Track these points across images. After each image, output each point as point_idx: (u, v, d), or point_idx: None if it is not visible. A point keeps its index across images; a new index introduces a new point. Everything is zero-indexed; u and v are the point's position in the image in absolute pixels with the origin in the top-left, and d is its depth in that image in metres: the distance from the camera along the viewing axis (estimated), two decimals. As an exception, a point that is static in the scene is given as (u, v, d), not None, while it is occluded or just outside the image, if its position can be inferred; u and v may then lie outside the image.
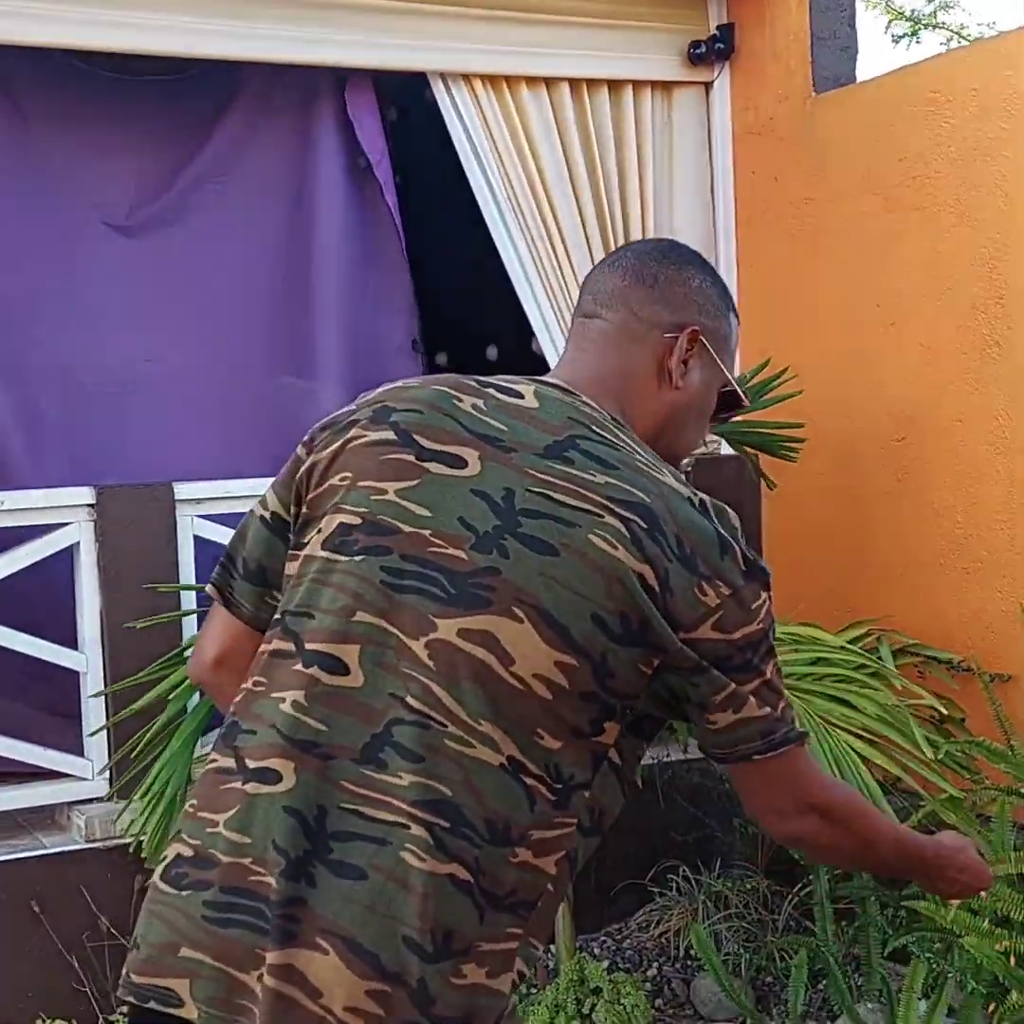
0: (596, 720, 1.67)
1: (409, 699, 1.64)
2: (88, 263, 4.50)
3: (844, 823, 1.83)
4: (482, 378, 1.85)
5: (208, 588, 1.93)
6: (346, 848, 1.61)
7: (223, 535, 4.10)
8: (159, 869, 1.73)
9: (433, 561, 1.68)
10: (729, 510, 1.75)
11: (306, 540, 1.76)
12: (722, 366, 1.91)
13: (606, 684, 1.66)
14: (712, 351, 1.89)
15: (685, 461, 2.11)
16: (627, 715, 1.71)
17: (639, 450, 1.77)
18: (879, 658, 3.97)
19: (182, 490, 4.09)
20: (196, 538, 4.10)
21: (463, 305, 4.93)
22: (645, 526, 1.66)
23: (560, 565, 1.65)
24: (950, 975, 3.41)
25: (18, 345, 4.51)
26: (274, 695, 1.71)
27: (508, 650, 1.64)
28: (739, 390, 1.95)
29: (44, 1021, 3.77)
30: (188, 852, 1.70)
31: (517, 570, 1.65)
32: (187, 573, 4.07)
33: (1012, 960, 3.26)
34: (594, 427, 1.76)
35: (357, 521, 1.72)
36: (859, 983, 3.93)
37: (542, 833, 1.65)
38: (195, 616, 3.99)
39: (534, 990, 4.01)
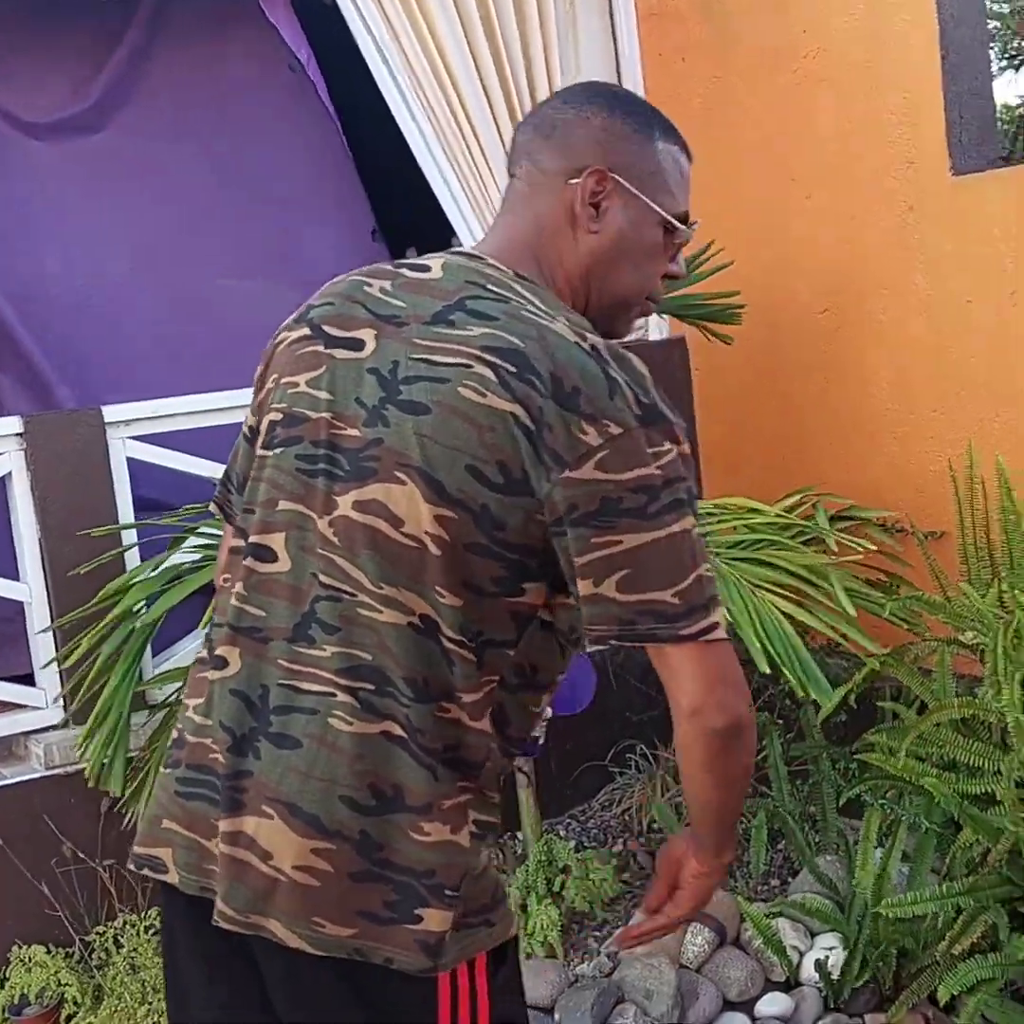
0: (505, 579, 1.70)
1: (321, 576, 1.74)
2: (3, 172, 4.40)
3: (751, 726, 1.77)
4: (402, 260, 1.89)
5: (211, 505, 2.05)
6: (285, 721, 1.74)
7: (158, 456, 4.10)
8: None
9: (335, 442, 1.75)
10: (632, 358, 1.71)
11: (257, 444, 1.85)
12: (646, 200, 1.85)
13: (496, 537, 1.68)
14: (631, 187, 1.84)
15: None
16: (549, 575, 1.72)
17: (533, 301, 1.75)
18: (817, 524, 4.06)
19: (111, 413, 4.04)
20: (130, 460, 4.07)
21: (422, 197, 4.89)
22: (515, 369, 1.66)
23: (432, 422, 1.68)
24: (903, 819, 3.52)
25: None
26: (231, 589, 1.83)
27: (396, 513, 1.70)
28: (671, 219, 1.88)
29: (20, 947, 3.82)
30: (174, 735, 1.87)
31: (396, 435, 1.70)
32: (124, 496, 4.06)
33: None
34: (489, 285, 1.76)
35: (279, 416, 1.81)
36: (817, 839, 4.05)
37: (472, 695, 1.72)
38: (136, 549, 4.00)
39: (504, 874, 4.11)
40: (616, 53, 4.99)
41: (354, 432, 1.73)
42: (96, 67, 4.54)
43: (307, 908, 1.70)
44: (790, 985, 3.59)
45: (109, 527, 3.95)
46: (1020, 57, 5.33)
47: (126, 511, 4.06)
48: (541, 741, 2.06)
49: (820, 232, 4.37)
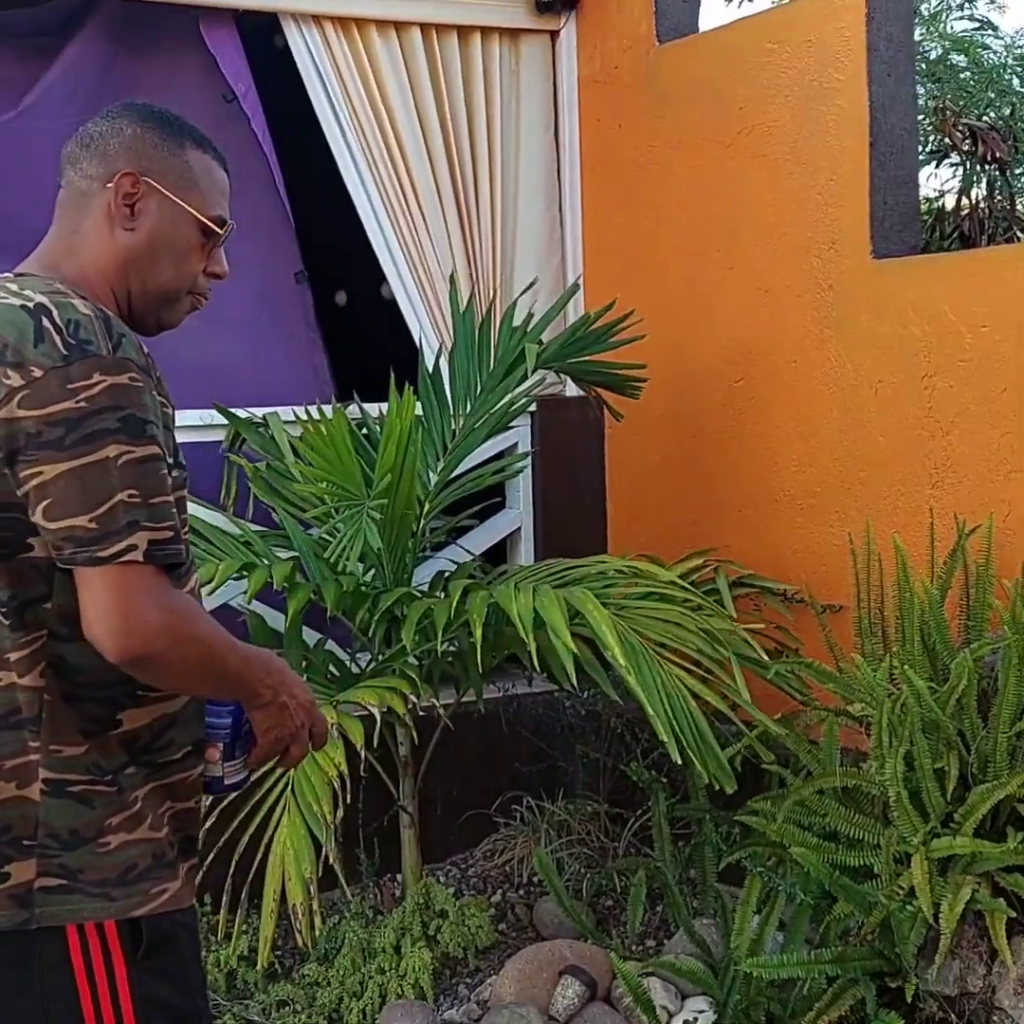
0: (8, 539, 1.82)
1: None
2: None
3: (186, 641, 1.82)
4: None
5: None
6: None
7: None
8: None
9: None
10: (77, 306, 1.84)
11: None
12: (179, 201, 2.02)
13: None
14: (163, 190, 2.01)
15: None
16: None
17: (11, 287, 1.88)
18: (716, 589, 4.10)
19: None
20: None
21: (354, 242, 4.90)
22: None
23: None
24: (780, 889, 3.54)
25: None
26: None
27: None
28: (202, 219, 2.04)
29: None
30: None
31: None
32: None
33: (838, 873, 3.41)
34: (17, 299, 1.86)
35: None
36: (695, 903, 4.07)
37: (18, 654, 1.85)
38: None
39: (380, 915, 4.09)
40: (556, 114, 5.08)
41: None
42: (30, 78, 4.51)
43: None
44: (657, 1045, 3.59)
45: None
46: (941, 152, 5.48)
47: None
48: (230, 782, 2.07)
49: (740, 303, 4.45)
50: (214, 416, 4.38)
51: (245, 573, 3.79)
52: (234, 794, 2.24)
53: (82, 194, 2.02)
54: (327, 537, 4.06)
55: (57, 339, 1.79)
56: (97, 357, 1.79)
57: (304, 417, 4.30)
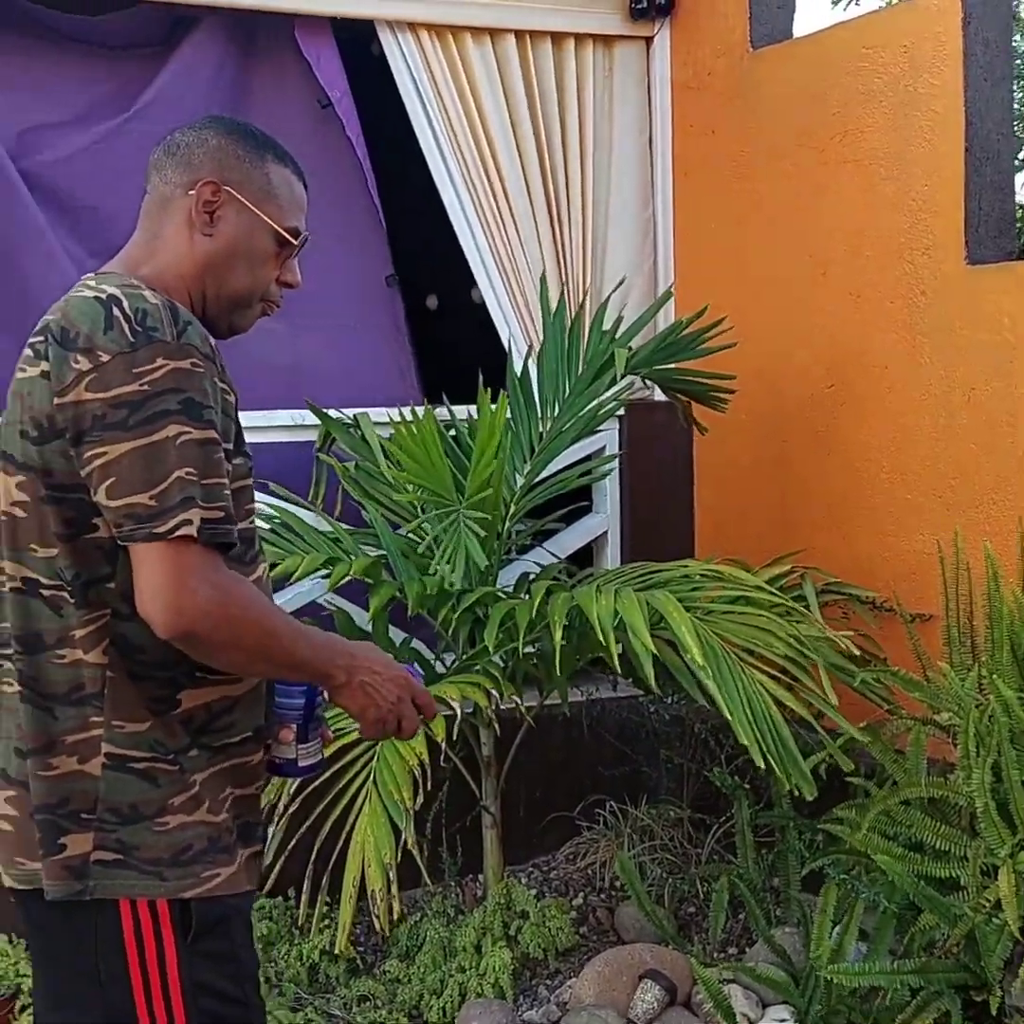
0: (74, 519, 1.90)
1: None
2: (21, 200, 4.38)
3: (236, 621, 1.85)
4: None
5: None
6: None
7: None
8: None
9: None
10: (147, 298, 1.90)
11: None
12: (257, 211, 2.09)
13: (51, 483, 1.90)
14: (242, 199, 2.09)
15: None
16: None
17: (91, 283, 1.96)
18: (803, 597, 4.07)
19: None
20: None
21: (444, 246, 4.94)
22: (42, 338, 1.92)
23: (6, 411, 1.96)
24: (861, 896, 3.51)
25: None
26: None
27: (1, 497, 1.97)
28: (278, 229, 2.11)
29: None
30: None
31: (2, 435, 1.98)
32: None
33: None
34: (73, 291, 1.97)
35: None
36: (778, 912, 4.05)
37: (83, 631, 1.92)
38: None
39: (462, 914, 4.10)
40: (649, 119, 5.08)
41: None
42: (140, 85, 4.58)
43: (10, 850, 1.98)
44: (736, 1053, 3.57)
45: None
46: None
47: None
48: (305, 764, 2.10)
49: (833, 308, 4.42)
50: (305, 416, 4.43)
51: (329, 567, 3.84)
52: (305, 777, 2.29)
53: (165, 199, 2.10)
54: (414, 537, 4.09)
55: (125, 326, 1.86)
56: (162, 343, 1.85)
57: (394, 419, 4.34)
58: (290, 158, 2.19)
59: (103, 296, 1.90)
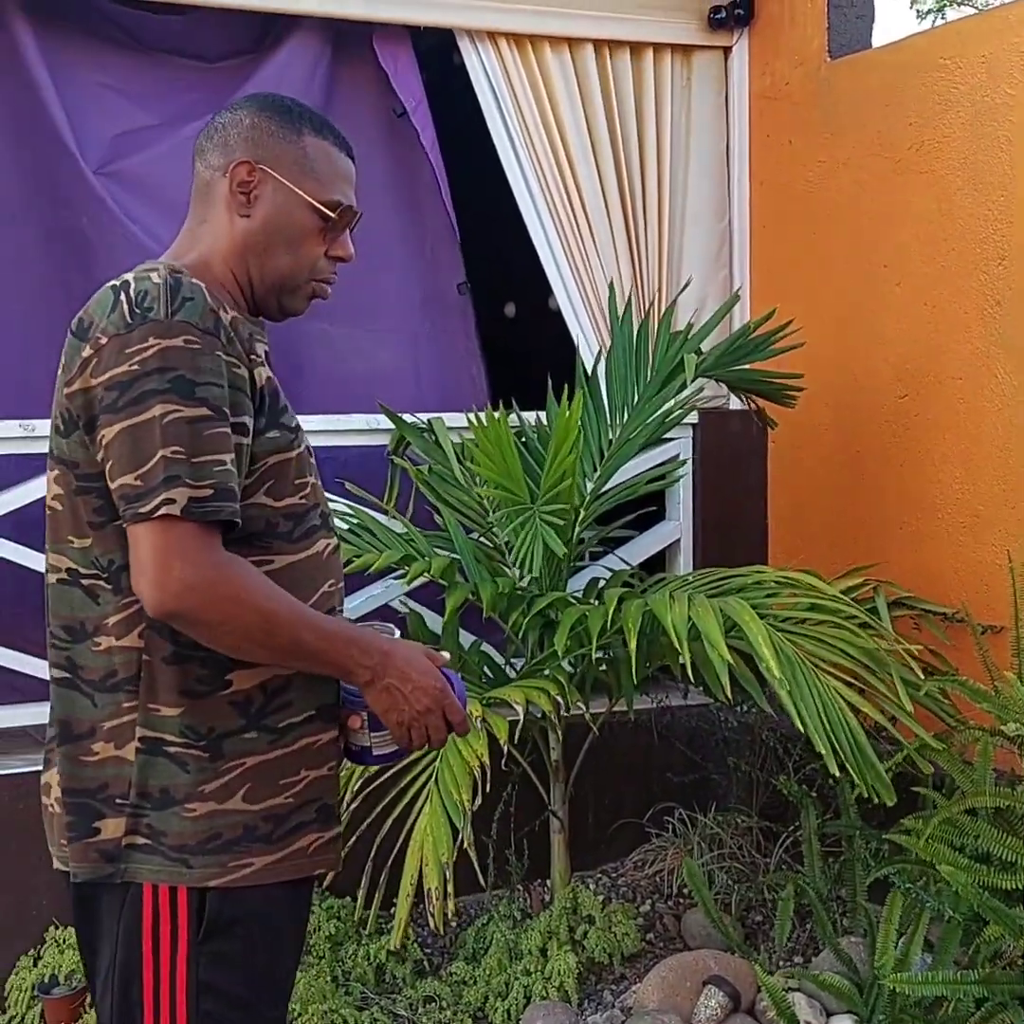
0: (102, 507, 1.92)
1: None
2: (98, 204, 4.40)
3: (227, 601, 1.82)
4: None
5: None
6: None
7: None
8: None
9: None
10: (150, 280, 1.88)
11: None
12: (293, 187, 2.05)
13: (79, 474, 1.93)
14: (278, 176, 2.05)
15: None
16: None
17: (131, 275, 1.93)
18: (874, 609, 4.07)
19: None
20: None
21: (516, 254, 4.98)
22: (73, 330, 1.93)
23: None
24: (927, 905, 3.50)
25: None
26: None
27: (46, 492, 2.02)
28: (315, 203, 2.06)
29: (56, 927, 3.93)
30: None
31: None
32: None
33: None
34: (116, 280, 1.95)
35: None
36: (845, 922, 4.04)
37: (117, 617, 1.94)
38: None
39: (528, 918, 4.13)
40: (726, 129, 5.10)
41: None
42: (227, 94, 4.65)
43: (56, 832, 2.01)
44: (799, 1059, 3.57)
45: None
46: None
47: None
48: (380, 753, 2.08)
49: (907, 319, 4.41)
50: (378, 421, 4.48)
51: (405, 566, 3.89)
52: (383, 764, 2.21)
53: (207, 184, 2.10)
54: (485, 541, 4.14)
55: (125, 309, 1.86)
56: (155, 322, 1.84)
57: (464, 423, 4.39)
58: (330, 128, 2.13)
59: (118, 283, 1.91)
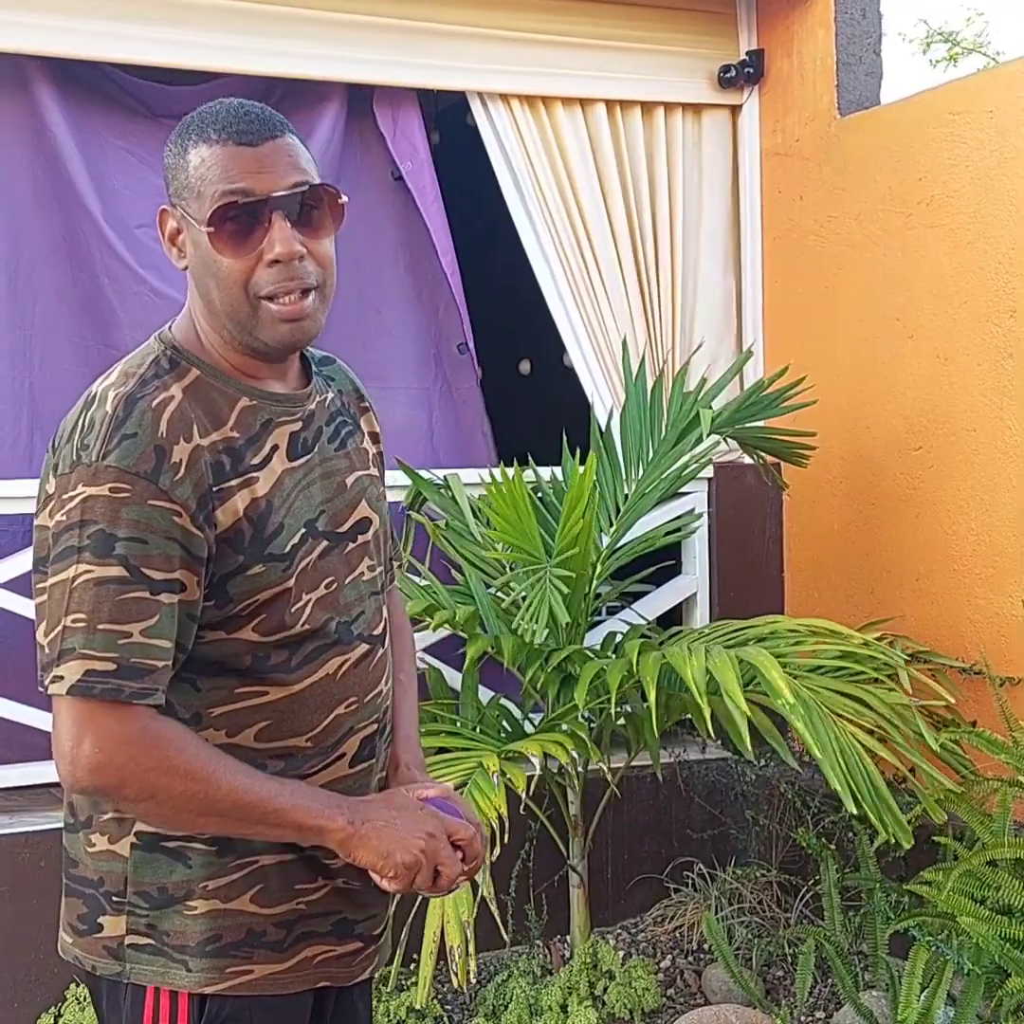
0: None
1: None
2: (103, 264, 4.44)
3: (148, 774, 1.66)
4: None
5: None
6: None
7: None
8: None
9: None
10: (109, 399, 1.71)
11: None
12: (187, 214, 1.77)
13: None
14: (183, 210, 1.78)
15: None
16: None
17: (100, 387, 1.77)
18: (890, 664, 4.06)
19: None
20: None
21: (525, 313, 5.02)
22: (53, 443, 1.77)
23: None
24: (948, 958, 3.48)
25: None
26: None
27: None
28: (196, 223, 1.76)
29: (77, 985, 3.92)
30: None
31: None
32: None
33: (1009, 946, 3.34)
34: (95, 384, 1.82)
35: None
36: (866, 978, 4.02)
37: None
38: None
39: (548, 974, 4.12)
40: (737, 186, 5.15)
41: None
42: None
43: (61, 919, 1.93)
44: (822, 1116, 3.55)
45: None
46: None
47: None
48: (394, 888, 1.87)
49: (919, 372, 4.44)
50: (395, 477, 4.51)
51: (428, 617, 3.91)
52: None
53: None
54: (502, 595, 4.15)
55: (76, 440, 1.70)
56: (85, 466, 1.67)
57: (479, 479, 4.42)
58: (219, 124, 1.79)
59: (88, 396, 1.76)
